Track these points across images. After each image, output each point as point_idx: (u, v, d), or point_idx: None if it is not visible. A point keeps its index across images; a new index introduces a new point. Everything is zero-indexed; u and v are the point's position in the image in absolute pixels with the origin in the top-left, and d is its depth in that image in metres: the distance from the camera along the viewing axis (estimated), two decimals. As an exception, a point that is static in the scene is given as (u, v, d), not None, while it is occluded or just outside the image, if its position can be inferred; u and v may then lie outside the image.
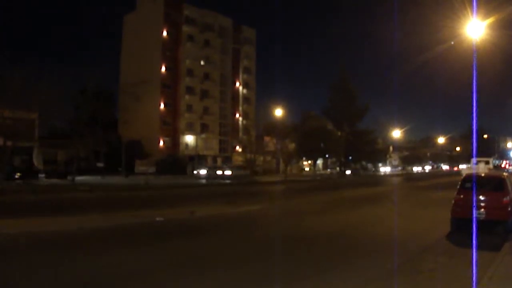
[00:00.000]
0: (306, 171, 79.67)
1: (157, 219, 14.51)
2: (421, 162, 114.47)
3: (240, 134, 73.75)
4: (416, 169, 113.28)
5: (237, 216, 16.82)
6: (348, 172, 79.93)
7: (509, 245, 10.10)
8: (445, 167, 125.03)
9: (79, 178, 36.36)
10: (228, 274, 7.79)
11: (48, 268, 7.96)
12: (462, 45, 18.86)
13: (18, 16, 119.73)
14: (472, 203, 11.59)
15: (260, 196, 27.73)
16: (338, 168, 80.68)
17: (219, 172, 53.59)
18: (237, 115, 77.18)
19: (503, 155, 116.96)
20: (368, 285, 7.20)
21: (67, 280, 7.18)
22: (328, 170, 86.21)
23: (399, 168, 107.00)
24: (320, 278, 7.63)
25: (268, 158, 68.89)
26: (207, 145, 69.36)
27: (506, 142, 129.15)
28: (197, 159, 59.36)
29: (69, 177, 36.67)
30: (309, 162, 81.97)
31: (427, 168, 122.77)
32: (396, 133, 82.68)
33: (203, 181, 45.27)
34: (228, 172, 54.19)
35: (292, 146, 66.72)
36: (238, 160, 69.01)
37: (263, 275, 7.80)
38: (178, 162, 60.27)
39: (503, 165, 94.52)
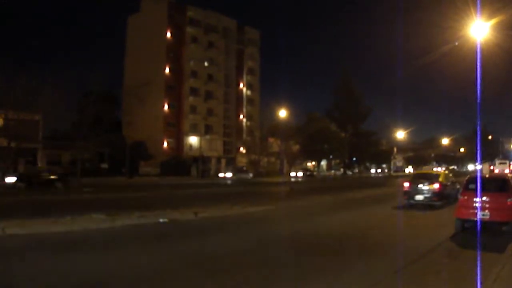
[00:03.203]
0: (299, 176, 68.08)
1: (161, 220, 14.50)
2: (425, 163, 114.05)
3: (244, 135, 73.82)
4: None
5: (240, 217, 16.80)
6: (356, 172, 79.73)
7: (514, 246, 10.06)
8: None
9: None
10: (234, 275, 7.80)
11: (54, 269, 7.99)
12: (466, 45, 18.87)
13: (22, 18, 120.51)
14: (477, 204, 11.54)
15: (264, 197, 27.62)
16: (342, 170, 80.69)
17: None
18: (241, 116, 77.25)
19: (506, 156, 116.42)
20: (374, 285, 7.17)
21: (73, 281, 7.19)
22: (332, 171, 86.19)
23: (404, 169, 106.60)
24: (324, 279, 7.61)
25: (272, 159, 68.87)
26: (211, 147, 69.47)
27: (510, 143, 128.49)
28: (201, 160, 59.46)
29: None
30: (313, 163, 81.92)
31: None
32: (400, 134, 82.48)
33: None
34: None
35: (296, 147, 66.72)
36: (242, 161, 69.00)
37: (269, 276, 7.80)
38: (182, 164, 60.39)
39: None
